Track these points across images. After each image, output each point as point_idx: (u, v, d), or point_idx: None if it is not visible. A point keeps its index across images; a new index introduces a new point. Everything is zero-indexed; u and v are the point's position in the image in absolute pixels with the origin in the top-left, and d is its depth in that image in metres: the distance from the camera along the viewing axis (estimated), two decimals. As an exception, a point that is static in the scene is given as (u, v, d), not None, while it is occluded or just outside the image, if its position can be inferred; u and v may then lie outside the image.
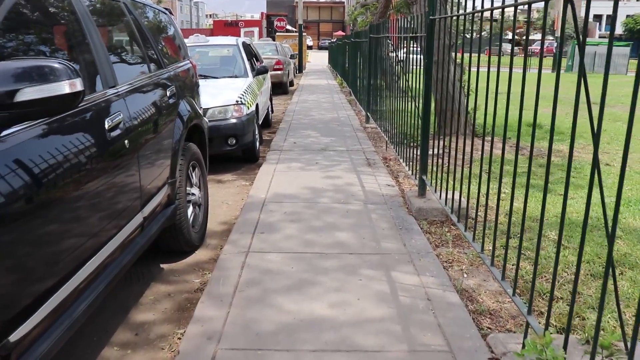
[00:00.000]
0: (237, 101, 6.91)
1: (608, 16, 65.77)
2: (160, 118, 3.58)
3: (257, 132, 7.47)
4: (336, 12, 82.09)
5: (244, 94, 7.16)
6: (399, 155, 6.35)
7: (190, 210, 4.27)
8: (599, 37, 58.00)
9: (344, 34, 49.35)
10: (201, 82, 7.87)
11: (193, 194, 4.35)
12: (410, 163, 5.68)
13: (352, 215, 4.67)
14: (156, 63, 3.95)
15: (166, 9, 4.82)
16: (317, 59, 44.11)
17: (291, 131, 9.10)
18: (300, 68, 27.60)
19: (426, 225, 4.49)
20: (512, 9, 3.14)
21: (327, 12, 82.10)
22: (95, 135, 2.57)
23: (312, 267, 3.61)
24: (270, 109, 10.46)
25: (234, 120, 6.80)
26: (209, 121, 6.67)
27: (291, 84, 19.19)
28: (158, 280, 3.85)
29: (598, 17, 64.33)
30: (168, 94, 3.87)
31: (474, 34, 4.05)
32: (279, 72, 16.31)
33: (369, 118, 9.76)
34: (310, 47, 52.38)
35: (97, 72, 2.82)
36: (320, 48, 67.85)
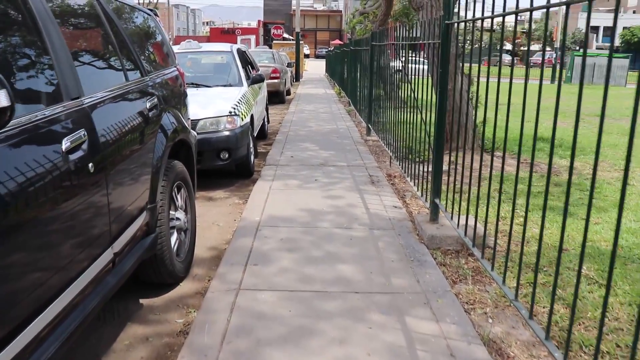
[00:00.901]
0: (230, 112, 6.41)
1: (605, 28, 65.81)
2: (137, 134, 3.07)
3: (251, 145, 6.97)
4: (333, 21, 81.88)
5: (238, 105, 6.67)
6: (404, 172, 5.86)
7: (174, 237, 3.76)
8: (596, 48, 57.95)
9: (341, 42, 49.04)
10: (193, 91, 7.40)
11: (178, 219, 3.84)
12: (417, 180, 5.19)
13: (356, 243, 4.16)
14: (136, 70, 3.44)
15: (151, 9, 4.33)
16: (315, 68, 43.72)
17: (288, 143, 8.60)
18: (297, 77, 27.14)
19: (440, 256, 3.99)
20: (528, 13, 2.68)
21: (325, 21, 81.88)
22: (47, 160, 2.06)
23: (312, 310, 3.09)
24: (266, 119, 9.96)
25: (226, 133, 6.30)
26: (200, 133, 6.19)
27: (288, 92, 18.71)
28: (135, 320, 3.34)
29: (595, 29, 64.28)
30: (148, 106, 3.37)
31: (485, 41, 3.61)
32: (275, 80, 15.83)
33: (370, 130, 9.28)
34: (307, 56, 52.02)
35: (55, 81, 2.32)
36: (318, 57, 67.51)
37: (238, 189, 6.40)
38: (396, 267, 3.70)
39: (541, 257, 3.00)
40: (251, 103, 7.31)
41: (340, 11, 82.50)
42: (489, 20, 3.51)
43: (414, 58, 6.68)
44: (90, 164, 2.38)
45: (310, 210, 4.99)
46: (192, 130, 4.77)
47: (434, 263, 3.82)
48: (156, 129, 3.45)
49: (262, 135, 9.58)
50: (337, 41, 65.07)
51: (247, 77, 7.94)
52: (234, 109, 6.49)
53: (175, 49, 8.35)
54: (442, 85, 4.23)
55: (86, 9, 3.00)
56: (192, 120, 6.17)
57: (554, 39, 40.32)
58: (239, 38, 39.94)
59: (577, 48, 57.21)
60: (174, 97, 4.11)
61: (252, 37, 41.02)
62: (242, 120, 6.57)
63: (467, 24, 4.12)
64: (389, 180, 6.29)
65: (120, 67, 3.18)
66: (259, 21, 52.71)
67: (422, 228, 4.29)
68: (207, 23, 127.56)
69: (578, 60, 37.37)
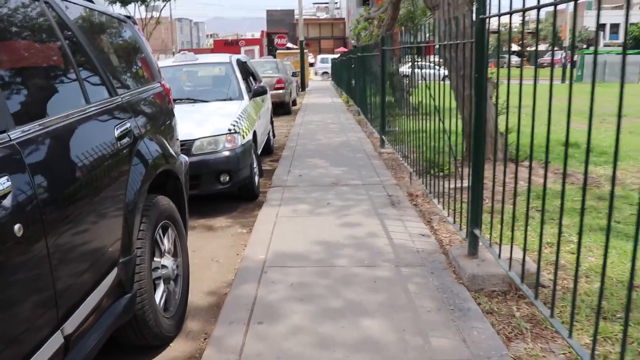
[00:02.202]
0: (229, 129, 5.73)
1: (612, 25, 64.96)
2: (98, 171, 2.38)
3: (255, 165, 6.28)
4: (337, 29, 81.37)
5: (239, 121, 5.98)
6: (428, 190, 5.15)
7: (160, 290, 3.06)
8: (604, 45, 57.08)
9: (345, 50, 48.44)
10: (188, 107, 6.72)
11: (164, 267, 3.15)
12: (442, 199, 4.48)
13: (382, 287, 3.43)
14: (101, 89, 2.76)
15: (127, 16, 3.65)
16: (320, 76, 43.13)
17: (296, 160, 7.89)
18: (303, 86, 26.51)
19: (485, 301, 3.26)
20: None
21: (328, 29, 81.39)
22: None
23: (334, 392, 2.38)
24: (271, 133, 9.28)
25: (226, 153, 5.61)
26: (196, 155, 5.51)
27: (294, 103, 18.05)
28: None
29: (601, 26, 63.42)
30: (118, 133, 2.68)
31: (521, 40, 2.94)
32: (280, 91, 15.17)
33: (384, 142, 8.56)
34: (312, 64, 51.50)
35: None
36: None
37: (241, 214, 5.70)
38: (434, 321, 2.98)
39: (605, 296, 2.32)
40: (253, 118, 6.62)
41: (344, 19, 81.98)
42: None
43: (428, 62, 5.98)
44: (16, 225, 1.68)
45: (324, 243, 4.27)
46: (182, 156, 4.10)
47: (479, 312, 3.09)
48: (129, 161, 2.76)
49: (268, 150, 8.90)
50: (342, 48, 64.48)
51: (249, 89, 7.26)
52: (234, 125, 5.81)
53: (170, 61, 7.70)
54: (479, 91, 3.52)
55: (31, 14, 2.32)
56: (187, 140, 5.52)
57: (563, 38, 39.49)
58: (242, 49, 39.51)
59: (585, 46, 56.35)
60: (156, 118, 3.43)
61: (256, 48, 40.59)
62: (244, 137, 5.88)
63: (503, 18, 3.43)
64: (411, 200, 5.57)
65: (78, 87, 2.49)
66: (262, 32, 52.29)
67: (460, 265, 3.56)
68: (210, 35, 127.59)
69: (588, 59, 36.60)
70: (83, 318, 2.13)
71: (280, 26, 65.63)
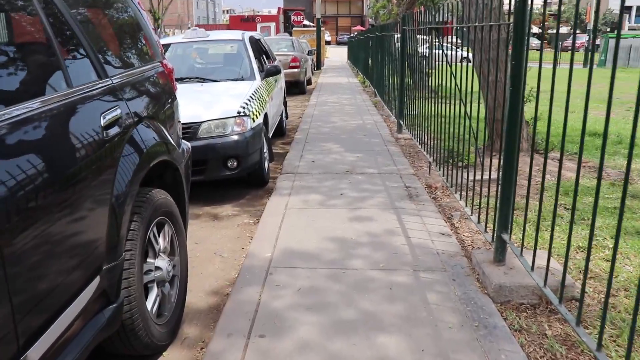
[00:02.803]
0: (239, 112, 5.39)
1: (638, 7, 63.37)
2: (76, 165, 2.06)
3: (265, 149, 5.95)
4: (355, 7, 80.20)
5: (249, 102, 5.64)
6: (448, 182, 4.80)
7: (153, 294, 2.77)
8: (629, 29, 55.68)
9: (363, 28, 47.66)
10: (197, 86, 6.38)
11: (158, 269, 2.84)
12: (464, 194, 4.15)
13: (399, 295, 3.11)
14: (89, 70, 2.43)
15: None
16: (336, 55, 42.48)
17: (309, 143, 7.55)
18: (318, 65, 26.00)
19: (513, 316, 2.92)
20: None
21: (346, 7, 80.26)
22: None
23: None
24: (284, 114, 8.92)
25: (235, 137, 5.29)
26: (203, 138, 5.19)
27: (309, 82, 17.63)
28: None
29: (627, 9, 61.84)
30: (105, 121, 2.35)
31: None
32: (295, 70, 14.76)
33: (401, 127, 8.17)
34: (328, 43, 50.79)
35: None
36: (339, 43, 66.06)
37: (249, 202, 5.39)
38: (457, 340, 2.65)
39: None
40: (265, 99, 6.27)
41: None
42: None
43: (447, 43, 5.58)
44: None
45: (337, 241, 3.94)
46: (184, 143, 3.78)
47: (507, 330, 2.75)
48: (119, 152, 2.43)
49: (280, 132, 8.56)
50: (359, 27, 63.56)
51: (261, 68, 6.90)
52: (244, 108, 5.47)
53: (179, 38, 7.34)
54: (516, 80, 3.14)
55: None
56: (193, 122, 5.20)
57: (588, 20, 38.41)
58: (258, 26, 38.96)
59: (608, 30, 54.98)
60: (154, 103, 3.09)
61: (272, 25, 40.00)
62: (254, 121, 5.55)
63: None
64: (430, 193, 5.22)
65: (58, 68, 2.16)
66: (278, 8, 51.57)
67: (485, 272, 3.22)
68: (227, 11, 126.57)
69: (612, 43, 35.60)
70: (53, 341, 1.83)
71: (297, 3, 64.77)
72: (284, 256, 3.68)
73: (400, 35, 7.86)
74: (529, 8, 3.03)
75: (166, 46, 7.37)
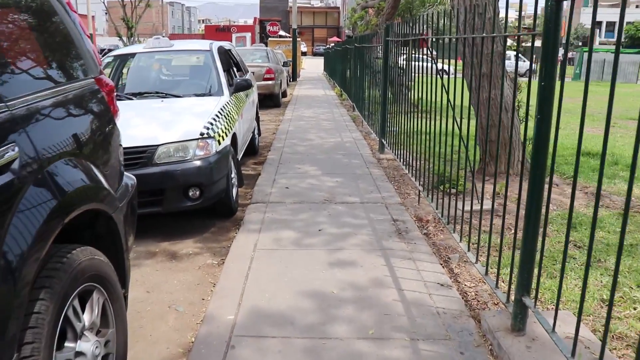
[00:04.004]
0: (202, 134, 4.69)
1: (608, 23, 64.23)
2: None
3: (233, 174, 5.25)
4: (331, 18, 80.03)
5: (215, 122, 4.94)
6: (440, 214, 4.18)
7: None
8: (599, 44, 56.31)
9: (339, 40, 47.28)
10: (156, 103, 5.62)
11: (80, 355, 2.11)
12: (458, 227, 3.51)
13: (395, 380, 2.43)
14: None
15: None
16: (312, 66, 41.91)
17: (283, 165, 6.85)
18: (294, 76, 25.36)
19: (545, 411, 2.27)
20: None
21: (322, 18, 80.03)
22: None
23: None
24: (256, 130, 8.22)
25: (197, 163, 4.58)
26: (160, 164, 4.48)
27: (284, 94, 16.96)
28: None
29: (597, 24, 62.63)
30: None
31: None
32: (269, 82, 14.07)
33: (383, 146, 7.54)
34: (304, 54, 50.30)
35: None
36: (315, 54, 65.69)
37: (214, 236, 4.69)
38: None
39: None
40: (234, 117, 5.58)
41: (338, 8, 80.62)
42: None
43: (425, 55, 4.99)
44: None
45: (315, 296, 3.25)
46: (126, 177, 3.07)
47: None
48: (11, 206, 1.72)
49: (252, 150, 7.86)
50: (335, 38, 63.30)
51: (230, 82, 6.20)
52: (209, 128, 4.77)
53: (140, 47, 6.61)
54: (545, 101, 2.49)
55: None
56: (149, 146, 4.50)
57: (563, 35, 38.55)
58: (234, 36, 38.34)
59: (580, 44, 55.49)
60: (80, 132, 2.38)
61: (248, 35, 39.44)
62: (220, 143, 4.85)
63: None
64: (421, 227, 4.56)
65: None
66: (255, 18, 51.01)
67: (502, 345, 2.56)
68: (202, 21, 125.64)
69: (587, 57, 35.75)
70: None
71: (273, 13, 64.43)
72: (251, 319, 2.97)
73: (382, 46, 7.24)
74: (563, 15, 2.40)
75: (124, 56, 6.64)
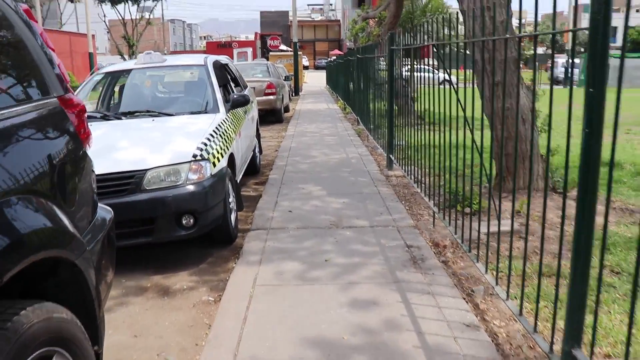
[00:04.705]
0: (195, 155, 4.29)
1: (612, 28, 64.07)
2: None
3: (232, 198, 4.83)
4: (332, 31, 79.96)
5: (209, 142, 4.54)
6: (459, 237, 3.75)
7: None
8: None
9: (341, 52, 47.09)
10: (147, 122, 5.20)
11: None
12: (479, 252, 3.07)
13: None
14: None
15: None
16: (315, 80, 41.64)
17: (285, 185, 6.43)
18: (296, 90, 25.03)
19: None
20: None
21: (323, 31, 79.99)
22: None
23: None
24: (257, 148, 7.82)
25: (190, 188, 4.17)
26: (149, 190, 4.09)
27: (286, 109, 16.58)
28: None
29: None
30: None
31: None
32: (271, 97, 13.69)
33: (391, 162, 7.11)
34: (306, 67, 50.15)
35: None
36: (317, 68, 65.55)
37: (211, 268, 4.27)
38: None
39: None
40: (230, 136, 5.17)
41: (339, 21, 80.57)
42: None
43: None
44: None
45: (322, 343, 2.81)
46: (101, 209, 2.67)
47: None
48: None
49: (253, 169, 7.46)
50: (337, 51, 63.13)
51: (227, 99, 5.80)
52: (202, 150, 4.37)
53: (131, 63, 6.23)
54: (593, 112, 2.07)
55: None
56: (137, 170, 4.12)
57: (565, 41, 38.21)
58: (235, 51, 38.26)
59: (582, 50, 55.21)
60: (37, 165, 1.97)
61: (249, 50, 39.37)
62: (215, 165, 4.44)
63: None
64: (438, 254, 4.12)
65: None
66: (255, 34, 50.95)
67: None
68: (204, 37, 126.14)
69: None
70: None
71: (274, 28, 64.48)
72: (248, 376, 2.54)
73: (387, 56, 6.85)
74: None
75: (115, 74, 6.26)
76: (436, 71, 4.76)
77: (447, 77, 4.08)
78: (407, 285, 3.48)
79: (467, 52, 4.74)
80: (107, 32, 54.73)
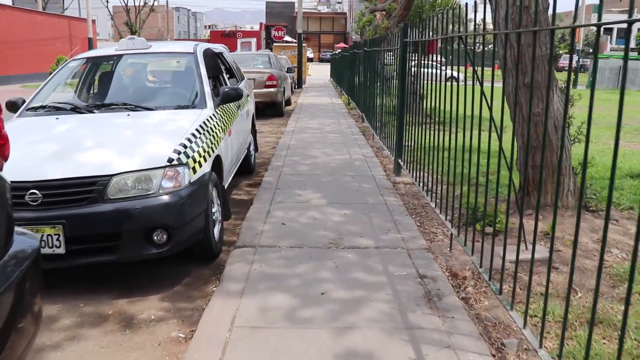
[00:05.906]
0: (171, 159, 3.61)
1: (619, 30, 63.04)
2: None
3: (215, 208, 4.15)
4: (338, 24, 79.05)
5: (190, 143, 3.87)
6: (481, 267, 3.08)
7: None
8: (610, 50, 55.06)
9: (346, 46, 46.26)
10: (121, 117, 4.48)
11: None
12: (507, 286, 2.40)
13: None
14: None
15: None
16: (319, 72, 40.87)
17: (280, 191, 5.74)
18: (299, 83, 24.27)
19: None
20: None
21: (329, 23, 79.05)
22: None
23: None
24: (252, 146, 7.13)
25: (164, 198, 3.50)
26: (115, 199, 3.43)
27: (288, 102, 15.86)
28: None
29: (608, 31, 61.40)
30: None
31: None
32: (271, 89, 12.97)
33: (400, 168, 6.41)
34: (311, 60, 49.34)
35: None
36: (322, 60, 64.77)
37: (187, 291, 3.62)
38: None
39: None
40: (217, 135, 4.49)
41: (345, 13, 79.63)
42: None
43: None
44: None
45: None
46: (19, 239, 1.99)
47: None
48: None
49: (247, 169, 6.78)
50: (342, 44, 62.24)
51: (217, 92, 5.11)
52: (180, 152, 3.69)
53: (111, 50, 5.53)
54: None
55: None
56: (100, 176, 3.45)
57: (577, 40, 37.39)
58: (239, 41, 37.52)
59: (590, 50, 54.28)
60: None
61: (254, 40, 38.64)
62: (195, 171, 3.76)
63: None
64: (457, 287, 3.43)
65: None
66: (260, 24, 50.15)
67: None
68: (209, 27, 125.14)
69: (601, 64, 34.58)
70: None
71: (279, 19, 63.71)
72: None
73: (400, 49, 6.14)
74: None
75: (95, 59, 5.57)
76: (454, 67, 4.06)
77: (476, 74, 3.39)
78: (421, 334, 2.79)
79: (494, 48, 4.03)
80: (111, 18, 53.96)
